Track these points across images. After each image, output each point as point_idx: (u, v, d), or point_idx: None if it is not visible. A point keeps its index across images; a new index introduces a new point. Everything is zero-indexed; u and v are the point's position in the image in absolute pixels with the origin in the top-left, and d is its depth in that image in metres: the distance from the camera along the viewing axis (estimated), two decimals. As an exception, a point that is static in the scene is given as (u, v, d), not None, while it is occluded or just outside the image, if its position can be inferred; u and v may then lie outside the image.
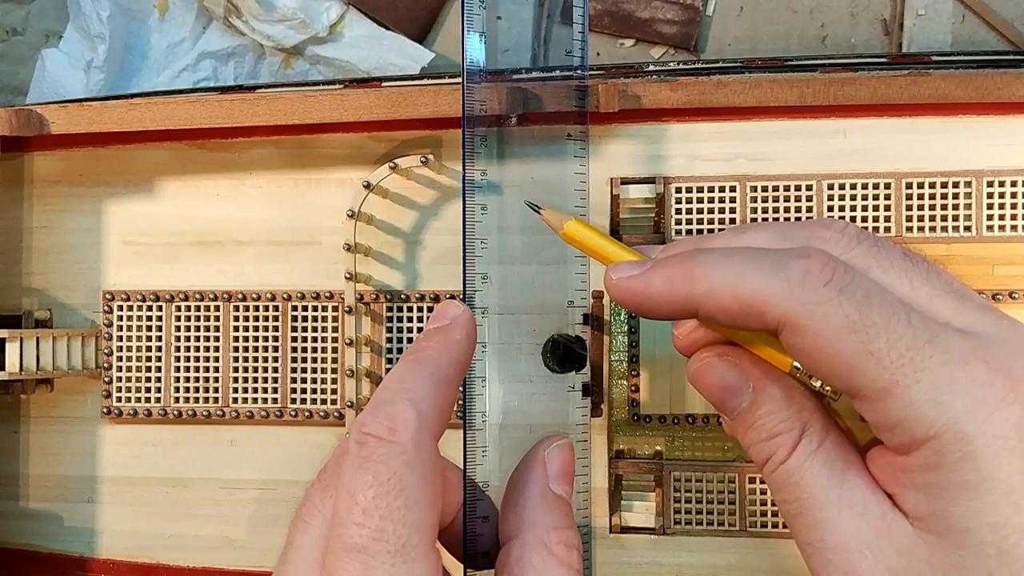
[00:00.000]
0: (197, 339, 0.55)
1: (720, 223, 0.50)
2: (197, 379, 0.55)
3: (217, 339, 0.55)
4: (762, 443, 0.30)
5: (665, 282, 0.30)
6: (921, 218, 0.49)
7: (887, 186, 0.49)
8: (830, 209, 0.49)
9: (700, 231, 0.50)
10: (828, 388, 0.30)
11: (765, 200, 0.49)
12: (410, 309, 0.53)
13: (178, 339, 0.55)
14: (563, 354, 0.39)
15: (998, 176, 0.48)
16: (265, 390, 0.54)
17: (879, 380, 0.27)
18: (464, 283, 0.35)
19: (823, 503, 0.29)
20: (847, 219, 0.49)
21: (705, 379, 0.32)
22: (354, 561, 0.25)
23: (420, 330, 0.53)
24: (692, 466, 0.50)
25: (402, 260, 0.54)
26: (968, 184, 0.48)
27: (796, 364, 0.30)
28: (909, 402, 0.26)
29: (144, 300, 0.55)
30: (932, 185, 0.49)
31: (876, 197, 0.49)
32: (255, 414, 0.54)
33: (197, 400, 0.55)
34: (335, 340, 0.54)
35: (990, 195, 0.48)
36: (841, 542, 0.28)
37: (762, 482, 0.49)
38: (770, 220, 0.50)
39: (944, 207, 0.49)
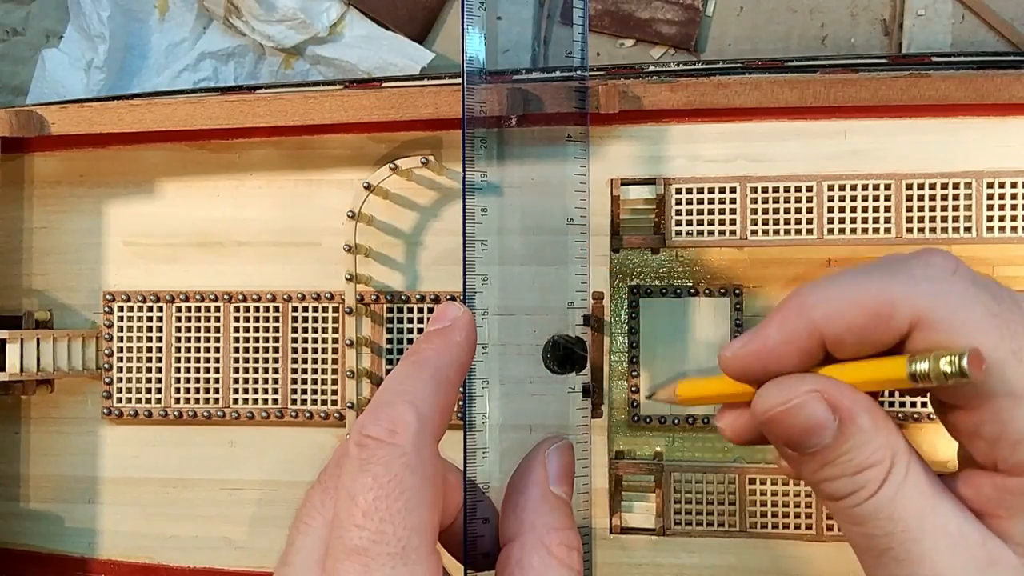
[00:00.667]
0: (197, 340, 0.55)
1: (720, 224, 0.50)
2: (197, 380, 0.55)
3: (217, 340, 0.55)
4: (846, 479, 0.27)
5: (780, 325, 0.28)
6: (921, 219, 0.49)
7: (887, 187, 0.49)
8: (830, 210, 0.49)
9: (700, 232, 0.50)
10: (958, 376, 0.24)
11: (765, 201, 0.49)
12: (410, 310, 0.53)
13: (178, 340, 0.55)
14: (563, 355, 0.39)
15: (998, 177, 0.48)
16: (265, 391, 0.54)
17: (1016, 385, 0.24)
18: (464, 284, 0.35)
19: (918, 535, 0.26)
20: (848, 220, 0.49)
21: (789, 420, 0.27)
22: (354, 563, 0.25)
23: (420, 331, 0.53)
24: (692, 467, 0.50)
25: (402, 261, 0.54)
26: (968, 185, 0.48)
27: (914, 365, 0.25)
28: None
29: (144, 301, 0.55)
30: (932, 186, 0.49)
31: (876, 198, 0.49)
32: (255, 415, 0.54)
33: (197, 401, 0.55)
34: (335, 341, 0.54)
35: (990, 196, 0.48)
36: (938, 575, 0.25)
37: (762, 483, 0.49)
38: (770, 221, 0.50)
39: (944, 208, 0.49)
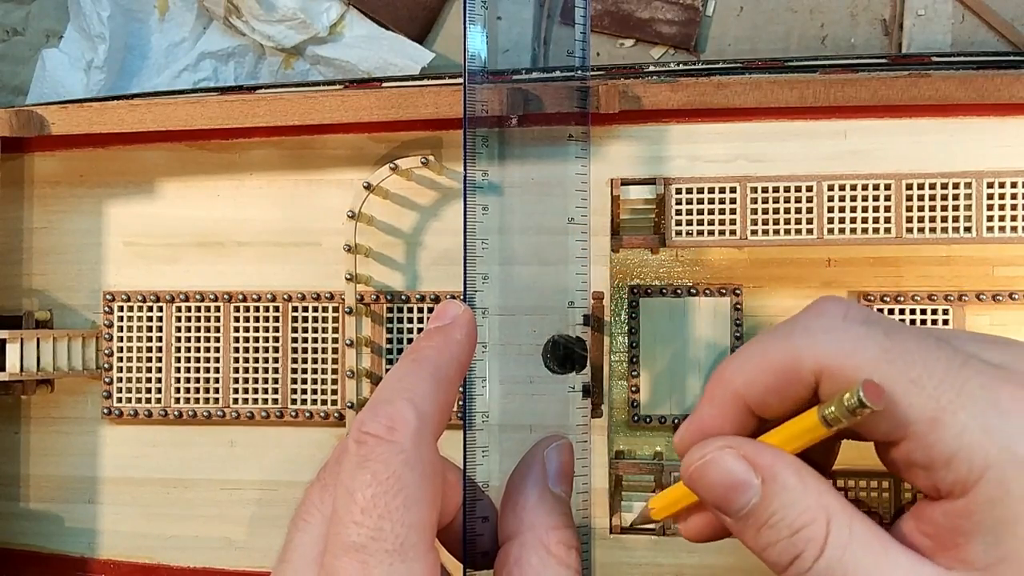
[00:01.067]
0: (197, 340, 0.55)
1: (720, 224, 0.50)
2: (197, 380, 0.55)
3: (217, 340, 0.55)
4: (784, 541, 0.27)
5: (708, 401, 0.30)
6: (921, 219, 0.49)
7: (887, 187, 0.49)
8: (830, 210, 0.49)
9: (700, 232, 0.50)
10: (861, 407, 0.26)
11: (765, 201, 0.49)
12: (410, 310, 0.53)
13: (178, 340, 0.55)
14: (563, 355, 0.39)
15: (998, 177, 0.48)
16: (265, 391, 0.54)
17: (926, 409, 0.25)
18: (465, 283, 0.35)
19: None
20: (848, 220, 0.49)
21: (707, 478, 0.29)
22: (352, 560, 0.25)
23: (420, 331, 0.53)
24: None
25: (402, 261, 0.54)
26: (968, 185, 0.48)
27: (824, 411, 0.27)
28: (960, 429, 0.25)
29: (144, 301, 0.55)
30: (932, 186, 0.49)
31: (876, 198, 0.49)
32: (255, 415, 0.54)
33: (197, 401, 0.55)
34: (335, 341, 0.54)
35: (990, 196, 0.48)
36: None
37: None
38: (770, 221, 0.50)
39: (944, 208, 0.49)
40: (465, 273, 0.35)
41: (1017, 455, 0.24)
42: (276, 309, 0.54)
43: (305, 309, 0.54)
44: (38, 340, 0.53)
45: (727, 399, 0.29)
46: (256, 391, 0.54)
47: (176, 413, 0.54)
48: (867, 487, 0.47)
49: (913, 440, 0.26)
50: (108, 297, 0.56)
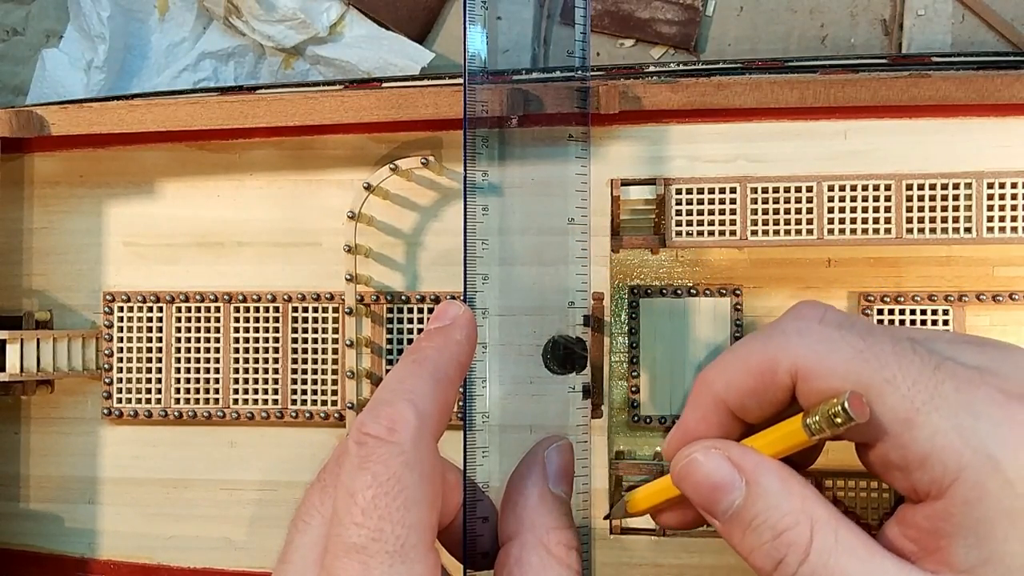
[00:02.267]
0: (197, 340, 0.55)
1: (720, 224, 0.50)
2: (197, 380, 0.55)
3: (217, 340, 0.55)
4: (767, 545, 0.27)
5: (692, 406, 0.30)
6: (921, 219, 0.49)
7: (887, 187, 0.49)
8: (830, 211, 0.49)
9: (700, 232, 0.50)
10: (845, 419, 0.26)
11: (765, 202, 0.49)
12: (410, 310, 0.53)
13: (178, 340, 0.55)
14: (563, 355, 0.39)
15: (998, 177, 0.48)
16: (265, 391, 0.54)
17: (900, 409, 0.26)
18: (465, 284, 0.35)
19: None
20: (848, 221, 0.49)
21: (692, 478, 0.29)
22: (353, 561, 0.25)
23: (420, 331, 0.53)
24: (692, 467, 0.50)
25: (402, 261, 0.54)
26: (968, 185, 0.48)
27: (808, 420, 0.27)
28: (934, 431, 0.25)
29: (144, 301, 0.55)
30: (932, 186, 0.49)
31: (877, 199, 0.49)
32: (255, 415, 0.54)
33: (197, 401, 0.55)
34: (335, 341, 0.54)
35: (990, 196, 0.48)
36: None
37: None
38: (770, 221, 0.50)
39: (944, 208, 0.48)
40: (465, 273, 0.35)
41: (991, 457, 0.25)
42: (276, 309, 0.54)
43: (305, 309, 0.54)
44: (38, 340, 0.53)
45: (709, 404, 0.30)
46: (256, 391, 0.54)
47: (176, 413, 0.54)
48: (856, 487, 0.47)
49: (888, 441, 0.26)
50: (108, 297, 0.56)
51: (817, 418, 0.27)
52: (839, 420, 0.26)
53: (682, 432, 0.31)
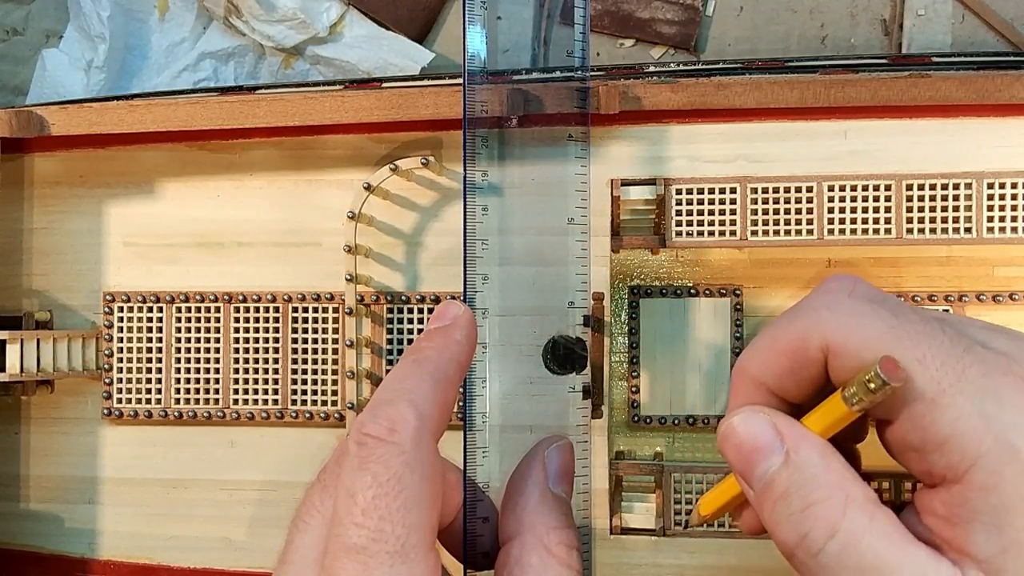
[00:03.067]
0: (197, 340, 0.55)
1: (720, 224, 0.50)
2: (197, 380, 0.55)
3: (217, 340, 0.55)
4: (794, 516, 0.26)
5: (734, 395, 0.30)
6: (922, 219, 0.49)
7: (888, 187, 0.49)
8: (830, 211, 0.49)
9: (701, 233, 0.50)
10: (881, 385, 0.25)
11: (766, 202, 0.49)
12: (410, 310, 0.53)
13: (178, 340, 0.55)
14: (563, 355, 0.39)
15: (998, 178, 0.48)
16: (265, 391, 0.54)
17: (927, 389, 0.25)
18: (465, 284, 0.35)
19: None
20: (848, 221, 0.49)
21: (734, 438, 0.29)
22: (353, 561, 0.25)
23: (420, 331, 0.53)
24: (692, 467, 0.50)
25: (402, 261, 0.54)
26: (968, 186, 0.48)
27: (847, 392, 0.27)
28: (957, 414, 0.25)
29: (144, 301, 0.55)
30: (932, 187, 0.49)
31: (877, 199, 0.49)
32: (255, 415, 0.54)
33: (197, 401, 0.55)
34: (335, 341, 0.54)
35: (990, 196, 0.48)
36: None
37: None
38: (771, 221, 0.50)
39: (944, 208, 0.49)
40: (465, 273, 0.35)
41: (1012, 444, 0.24)
42: (276, 309, 0.54)
43: (305, 310, 0.54)
44: (38, 341, 0.53)
45: (749, 389, 0.30)
46: (256, 392, 0.54)
47: (176, 413, 0.54)
48: (880, 488, 0.47)
49: (910, 420, 0.26)
50: (108, 297, 0.56)
51: (854, 388, 0.26)
52: (873, 386, 0.25)
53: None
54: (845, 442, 0.29)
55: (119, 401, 0.55)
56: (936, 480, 0.26)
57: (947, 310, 0.50)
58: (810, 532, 0.26)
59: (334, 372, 0.54)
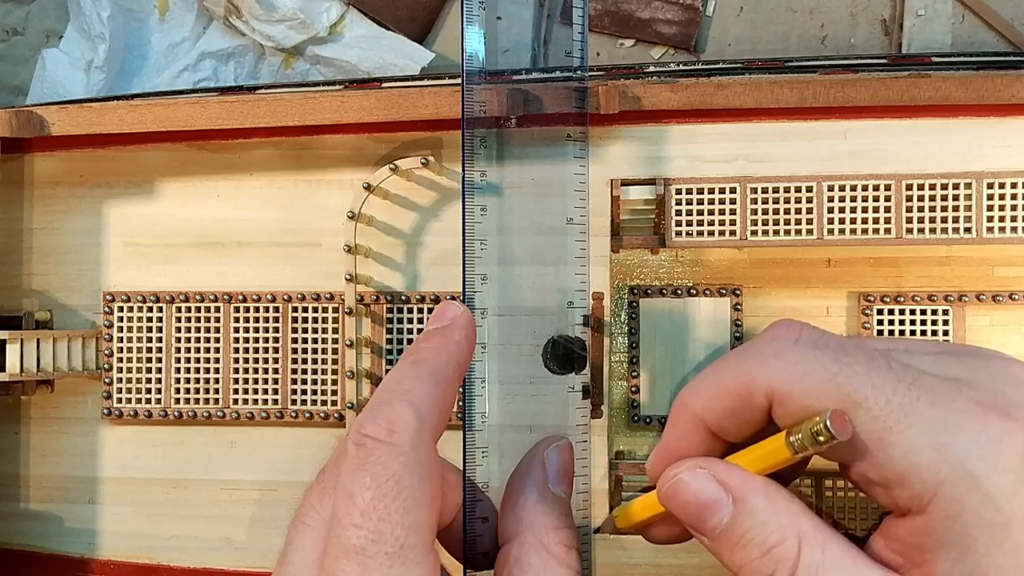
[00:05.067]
0: (197, 340, 0.55)
1: (720, 224, 0.50)
2: (197, 380, 0.55)
3: (217, 340, 0.55)
4: (756, 561, 0.27)
5: (671, 427, 0.31)
6: (921, 219, 0.49)
7: (887, 187, 0.49)
8: (830, 211, 0.49)
9: (700, 233, 0.50)
10: (828, 437, 0.26)
11: (765, 202, 0.49)
12: (410, 310, 0.53)
13: (178, 340, 0.55)
14: (563, 355, 0.39)
15: (998, 178, 0.48)
16: (265, 391, 0.54)
17: (872, 430, 0.26)
18: (464, 284, 0.35)
19: None
20: (848, 221, 0.49)
21: (679, 497, 0.29)
22: (352, 562, 0.25)
23: (420, 331, 0.53)
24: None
25: (402, 261, 0.54)
26: (968, 186, 0.48)
27: (791, 438, 0.27)
28: (909, 448, 0.25)
29: (144, 301, 0.55)
30: (932, 187, 0.49)
31: (876, 199, 0.49)
32: (255, 415, 0.54)
33: (197, 401, 0.55)
34: (335, 341, 0.54)
35: (990, 196, 0.48)
36: None
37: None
38: (770, 221, 0.50)
39: (944, 208, 0.48)
40: (464, 274, 0.35)
41: (968, 471, 0.25)
42: (276, 309, 0.54)
43: (305, 310, 0.54)
44: (38, 340, 0.53)
45: (688, 423, 0.30)
46: (256, 391, 0.54)
47: (176, 413, 0.55)
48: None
49: (865, 460, 0.26)
50: (108, 297, 0.56)
51: (800, 436, 0.27)
52: (822, 438, 0.26)
53: (664, 452, 0.31)
54: (781, 481, 0.29)
55: (119, 401, 0.55)
56: (903, 511, 0.26)
57: (947, 310, 0.50)
58: (774, 573, 0.27)
59: (334, 372, 0.54)
